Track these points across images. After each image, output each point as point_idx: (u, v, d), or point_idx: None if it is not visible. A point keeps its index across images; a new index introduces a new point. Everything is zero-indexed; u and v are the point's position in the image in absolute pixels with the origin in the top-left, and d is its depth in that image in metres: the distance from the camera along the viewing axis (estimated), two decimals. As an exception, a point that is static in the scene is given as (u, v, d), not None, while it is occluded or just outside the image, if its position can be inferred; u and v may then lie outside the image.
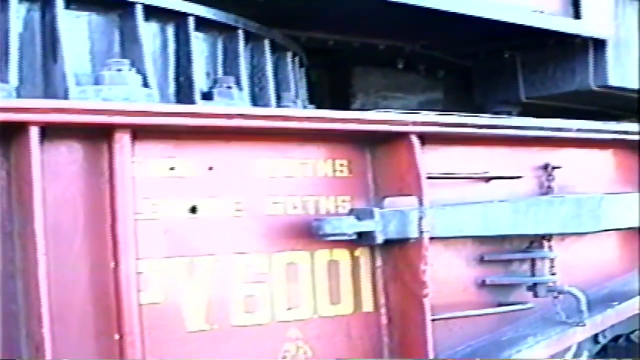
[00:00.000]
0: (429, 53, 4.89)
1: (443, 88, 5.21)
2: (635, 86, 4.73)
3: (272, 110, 3.14)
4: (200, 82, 3.05)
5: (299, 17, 3.88)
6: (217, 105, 2.98)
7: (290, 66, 3.65)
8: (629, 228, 3.84)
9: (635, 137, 3.94)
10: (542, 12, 4.27)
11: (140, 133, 2.60)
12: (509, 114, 4.90)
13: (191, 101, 2.96)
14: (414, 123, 3.05)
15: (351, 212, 2.96)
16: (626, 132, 3.94)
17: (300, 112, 3.20)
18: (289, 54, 3.67)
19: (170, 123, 2.61)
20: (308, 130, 2.88)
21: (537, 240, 3.52)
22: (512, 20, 4.10)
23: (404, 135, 3.03)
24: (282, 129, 2.84)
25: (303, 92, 3.88)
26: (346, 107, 4.77)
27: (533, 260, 3.50)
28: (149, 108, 2.62)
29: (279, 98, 3.42)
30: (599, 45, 4.59)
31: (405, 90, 5.03)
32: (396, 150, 3.06)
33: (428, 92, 5.15)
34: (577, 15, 4.43)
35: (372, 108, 4.66)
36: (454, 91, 5.23)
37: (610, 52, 4.60)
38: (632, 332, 4.14)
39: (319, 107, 3.95)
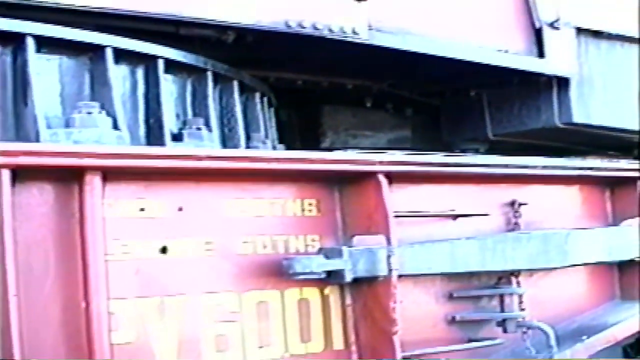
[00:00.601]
0: (396, 92, 4.99)
1: (411, 126, 5.30)
2: (599, 123, 4.84)
3: (241, 152, 3.21)
4: (170, 124, 3.12)
5: (267, 58, 3.97)
6: (186, 147, 3.05)
7: (259, 107, 3.72)
8: (597, 263, 3.92)
9: (600, 173, 4.05)
10: (506, 51, 4.38)
11: (110, 175, 2.66)
12: (477, 151, 5.02)
13: (161, 143, 3.03)
14: (381, 162, 3.13)
15: (320, 251, 3.03)
16: (591, 168, 4.05)
17: (268, 153, 3.27)
18: (258, 95, 3.74)
19: (140, 165, 2.68)
20: (277, 170, 2.95)
21: (505, 276, 3.58)
22: (477, 60, 4.21)
23: (372, 174, 3.10)
24: (251, 170, 2.91)
25: (272, 132, 3.95)
26: (316, 145, 4.85)
27: (502, 296, 3.56)
28: (119, 150, 2.69)
29: (248, 138, 3.48)
30: (563, 83, 4.69)
31: (374, 129, 5.11)
32: (364, 190, 3.13)
33: (396, 130, 5.23)
34: (541, 54, 4.53)
35: (341, 146, 4.76)
36: (422, 129, 5.31)
37: (573, 90, 4.70)
38: (603, 365, 4.21)
39: (288, 146, 4.02)
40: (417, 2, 4.04)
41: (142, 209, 2.77)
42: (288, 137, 4.34)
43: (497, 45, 4.36)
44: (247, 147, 3.43)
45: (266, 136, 3.70)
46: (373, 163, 3.12)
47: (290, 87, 4.50)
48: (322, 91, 4.72)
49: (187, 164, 2.75)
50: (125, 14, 3.15)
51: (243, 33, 3.51)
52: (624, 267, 4.07)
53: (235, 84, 3.50)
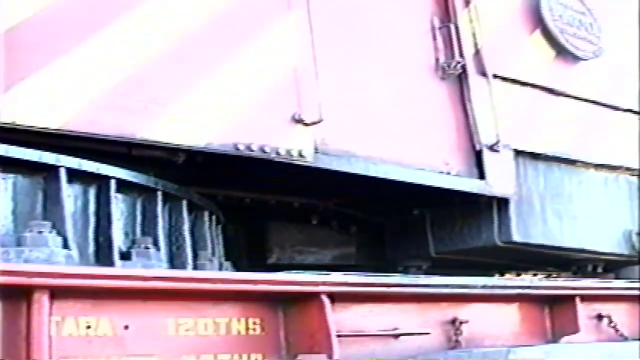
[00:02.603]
0: (342, 210, 5.11)
1: (356, 243, 5.40)
2: (537, 241, 4.98)
3: (187, 273, 3.28)
4: (119, 242, 3.20)
5: (216, 177, 4.07)
6: (134, 266, 3.13)
7: (207, 225, 3.81)
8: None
9: (539, 292, 4.17)
10: (448, 173, 4.53)
11: (58, 293, 2.71)
12: (420, 268, 5.13)
13: (110, 261, 3.10)
14: (324, 283, 3.22)
15: (264, 369, 3.09)
16: (530, 287, 4.17)
17: (213, 274, 3.34)
18: (206, 213, 3.83)
19: (88, 284, 2.74)
20: (221, 291, 3.03)
21: (447, 392, 3.65)
22: (420, 182, 4.36)
23: (315, 295, 3.18)
24: (196, 291, 2.98)
25: (220, 249, 4.02)
26: (262, 261, 4.93)
27: (443, 412, 3.62)
28: (67, 270, 2.75)
29: (195, 256, 3.56)
30: (503, 203, 4.84)
31: (319, 245, 5.20)
32: (307, 310, 3.20)
33: (341, 247, 5.33)
34: (481, 175, 4.69)
35: (287, 262, 4.84)
36: (366, 246, 5.42)
37: (512, 209, 4.85)
38: None
39: (235, 262, 4.09)
40: (363, 126, 4.19)
41: (88, 327, 2.81)
42: (235, 253, 4.41)
43: (439, 167, 4.51)
44: (194, 264, 3.51)
45: (213, 254, 3.78)
46: (316, 284, 3.21)
47: (239, 204, 4.61)
48: (270, 208, 4.83)
49: (133, 284, 2.82)
50: (80, 136, 3.27)
51: (193, 154, 3.62)
52: (563, 382, 4.16)
53: (184, 203, 3.60)
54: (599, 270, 5.88)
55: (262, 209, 4.80)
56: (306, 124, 3.85)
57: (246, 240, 5.04)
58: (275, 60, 3.86)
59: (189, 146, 3.52)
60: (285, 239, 5.07)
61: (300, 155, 3.79)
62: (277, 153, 3.72)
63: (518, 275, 6.57)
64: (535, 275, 6.61)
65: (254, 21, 3.85)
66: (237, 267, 4.04)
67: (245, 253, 4.95)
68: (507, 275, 6.43)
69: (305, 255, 5.10)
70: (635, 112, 6.04)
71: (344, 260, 5.25)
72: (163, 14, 3.54)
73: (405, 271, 5.15)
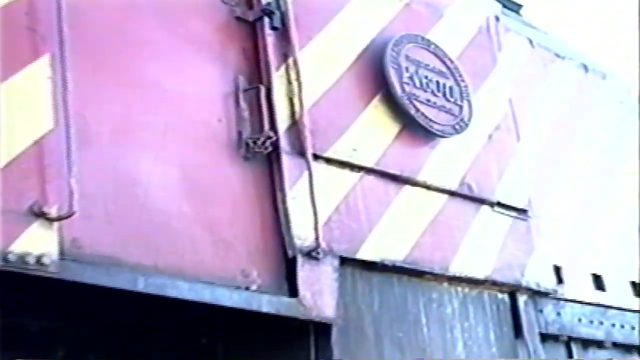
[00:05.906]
0: (104, 338, 5.10)
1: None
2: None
3: None
4: None
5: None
6: None
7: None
8: None
9: None
10: (247, 288, 4.57)
11: None
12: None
13: None
14: None
15: None
16: None
17: None
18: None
19: None
20: None
21: None
22: (206, 301, 4.35)
23: None
24: None
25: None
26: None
27: None
28: None
29: None
30: (322, 329, 4.89)
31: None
32: None
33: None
34: (293, 292, 4.76)
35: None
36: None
37: (335, 339, 4.89)
38: None
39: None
40: (132, 223, 4.22)
41: None
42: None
43: (235, 279, 4.55)
44: None
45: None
46: None
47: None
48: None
49: None
50: None
51: None
52: None
53: None
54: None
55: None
56: (50, 219, 3.86)
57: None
58: (13, 133, 3.87)
59: None
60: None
61: (39, 262, 3.76)
62: (5, 260, 3.68)
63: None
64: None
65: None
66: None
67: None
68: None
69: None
70: (504, 206, 6.34)
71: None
72: None
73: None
